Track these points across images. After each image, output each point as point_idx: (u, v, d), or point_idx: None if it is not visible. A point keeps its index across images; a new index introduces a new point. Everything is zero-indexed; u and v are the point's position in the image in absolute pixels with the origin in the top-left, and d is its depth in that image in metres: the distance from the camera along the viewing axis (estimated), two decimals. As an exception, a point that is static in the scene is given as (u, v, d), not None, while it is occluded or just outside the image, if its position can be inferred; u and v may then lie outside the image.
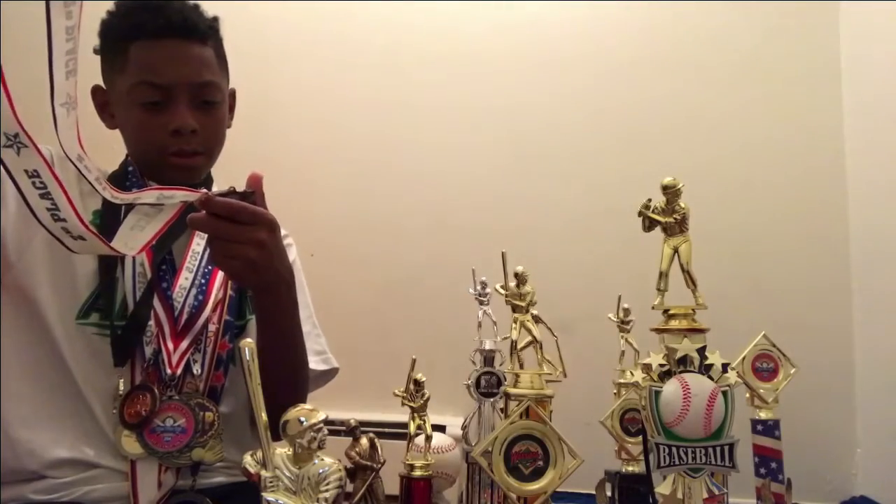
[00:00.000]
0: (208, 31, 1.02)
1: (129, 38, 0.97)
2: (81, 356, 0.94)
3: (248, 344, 0.66)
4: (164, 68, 0.97)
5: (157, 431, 0.91)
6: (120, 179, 1.02)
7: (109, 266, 0.97)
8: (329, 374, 1.17)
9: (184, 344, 0.96)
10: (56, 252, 0.93)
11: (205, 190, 0.85)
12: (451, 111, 2.05)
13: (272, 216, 0.88)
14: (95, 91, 1.05)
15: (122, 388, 0.92)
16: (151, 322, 0.95)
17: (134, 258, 0.97)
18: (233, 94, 1.12)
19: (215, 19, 1.05)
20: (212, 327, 1.00)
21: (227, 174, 1.17)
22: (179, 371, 0.94)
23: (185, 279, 0.99)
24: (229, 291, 1.04)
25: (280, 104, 2.06)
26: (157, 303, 0.96)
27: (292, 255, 1.17)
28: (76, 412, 0.93)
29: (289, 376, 1.02)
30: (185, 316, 0.97)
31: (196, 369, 0.96)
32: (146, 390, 0.92)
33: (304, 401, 1.02)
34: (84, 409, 0.93)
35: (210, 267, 1.02)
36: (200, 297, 1.00)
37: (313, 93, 2.08)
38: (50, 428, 0.92)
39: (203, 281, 1.01)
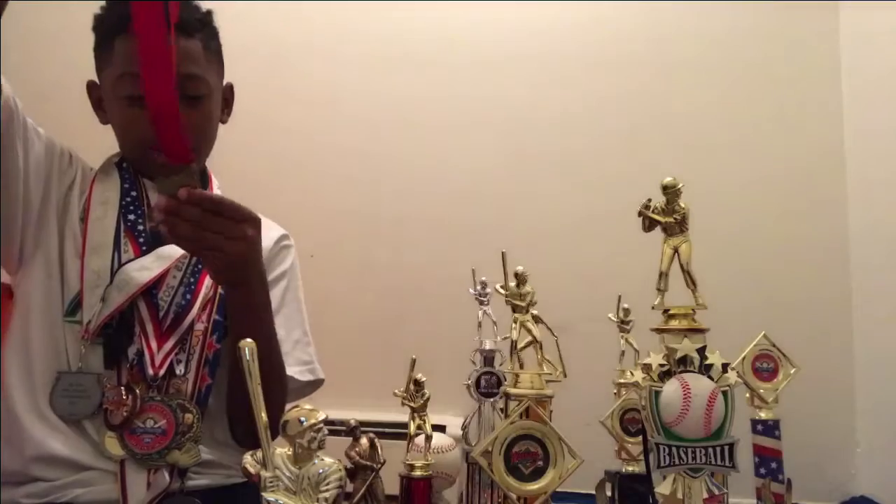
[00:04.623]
0: (195, 24, 1.01)
1: (115, 31, 0.97)
2: (68, 355, 0.93)
3: (248, 344, 0.66)
4: None
5: (137, 433, 0.89)
6: (109, 174, 1.03)
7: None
8: (314, 385, 1.14)
9: (168, 344, 0.95)
10: (47, 245, 0.95)
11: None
12: (452, 112, 2.05)
13: (256, 214, 0.89)
14: (90, 87, 1.05)
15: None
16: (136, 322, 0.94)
17: (120, 257, 0.96)
18: (229, 89, 1.11)
19: (208, 13, 1.05)
20: (199, 326, 0.99)
21: (229, 172, 1.17)
22: (162, 372, 0.93)
23: (172, 277, 0.98)
24: (219, 290, 1.02)
25: (283, 104, 2.06)
26: (141, 303, 0.95)
27: (290, 258, 1.17)
28: None
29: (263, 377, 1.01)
30: (171, 316, 0.96)
31: (179, 370, 0.95)
32: (129, 391, 0.91)
33: (280, 407, 0.99)
34: None
35: (200, 265, 1.01)
36: (188, 297, 0.99)
37: (315, 93, 2.08)
38: (42, 423, 0.91)
39: (192, 280, 1.00)
